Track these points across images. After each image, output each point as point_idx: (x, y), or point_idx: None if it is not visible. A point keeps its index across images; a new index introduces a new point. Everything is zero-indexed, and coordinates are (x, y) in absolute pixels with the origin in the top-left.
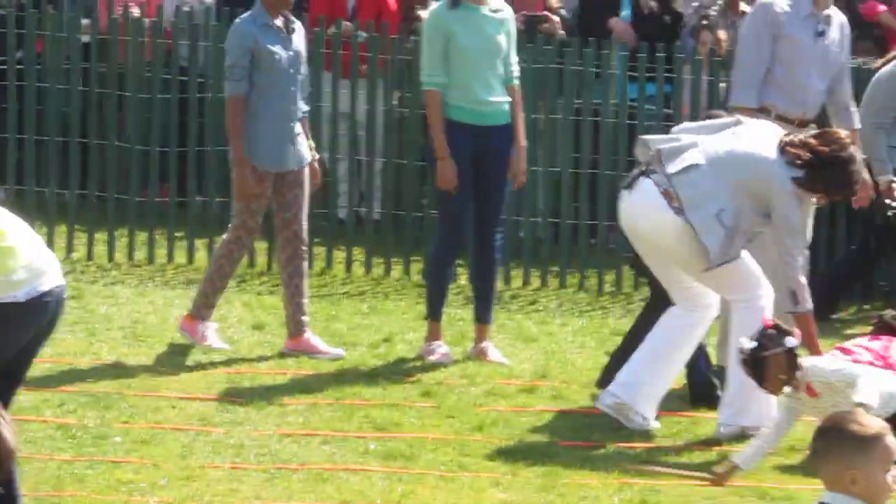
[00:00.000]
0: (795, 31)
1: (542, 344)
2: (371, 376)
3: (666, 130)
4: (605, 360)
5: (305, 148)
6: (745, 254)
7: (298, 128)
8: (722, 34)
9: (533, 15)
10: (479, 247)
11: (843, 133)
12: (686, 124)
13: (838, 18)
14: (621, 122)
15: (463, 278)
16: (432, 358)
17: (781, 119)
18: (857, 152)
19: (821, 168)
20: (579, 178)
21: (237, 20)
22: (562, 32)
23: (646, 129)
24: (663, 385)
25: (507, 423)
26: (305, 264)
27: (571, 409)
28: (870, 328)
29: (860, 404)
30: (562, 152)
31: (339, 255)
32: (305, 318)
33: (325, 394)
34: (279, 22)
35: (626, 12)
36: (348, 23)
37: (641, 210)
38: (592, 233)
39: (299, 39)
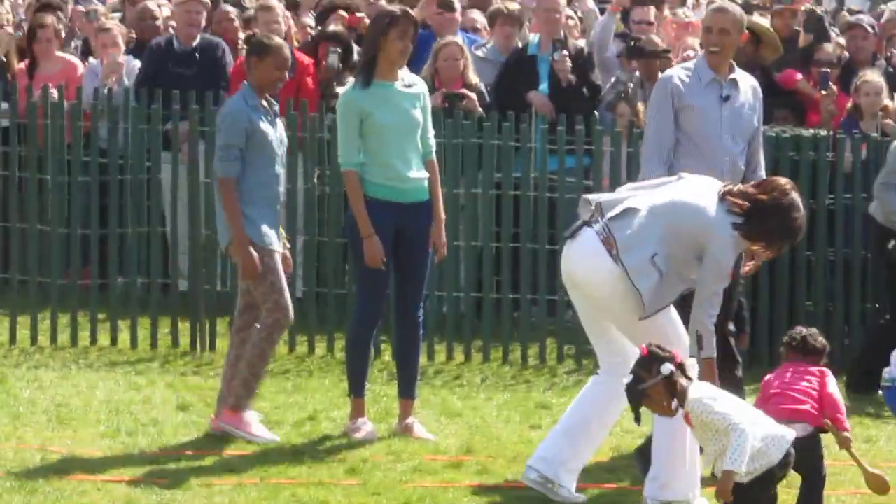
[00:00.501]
0: (697, 99)
1: (467, 419)
2: (296, 455)
3: None
4: (530, 433)
5: (279, 232)
6: (674, 313)
7: (278, 210)
8: (640, 106)
9: (451, 93)
10: (402, 323)
11: (783, 180)
12: (629, 184)
13: (748, 82)
14: (541, 194)
15: (387, 354)
16: (357, 435)
17: None
18: (798, 199)
19: (760, 216)
20: (501, 252)
21: (228, 100)
22: (480, 109)
23: (566, 202)
24: (584, 457)
25: (433, 499)
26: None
27: (498, 483)
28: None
29: (726, 472)
30: (483, 226)
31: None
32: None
33: (250, 473)
34: (265, 103)
35: (543, 85)
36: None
37: (580, 258)
38: (515, 306)
39: (281, 125)
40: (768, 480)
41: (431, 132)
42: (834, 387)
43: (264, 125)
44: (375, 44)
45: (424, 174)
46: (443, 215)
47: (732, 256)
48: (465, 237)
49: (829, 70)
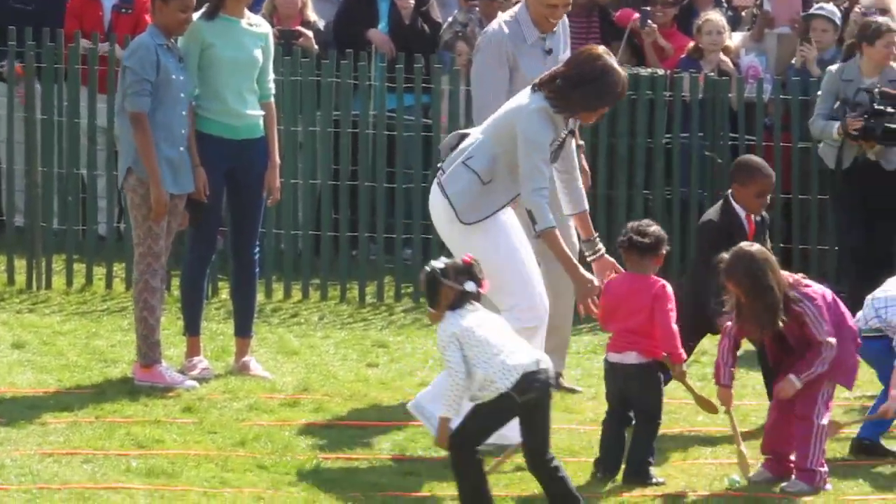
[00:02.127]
0: (526, 60)
1: (304, 357)
2: (132, 393)
3: (425, 141)
4: (367, 372)
5: (191, 175)
6: (527, 258)
7: (187, 153)
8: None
9: (287, 30)
10: (238, 261)
11: (596, 49)
12: None
13: (560, 23)
14: (380, 132)
15: (224, 292)
16: (193, 373)
17: None
18: (610, 62)
19: (569, 87)
20: (339, 190)
21: (136, 37)
22: (316, 47)
23: (405, 140)
24: None
25: (269, 438)
26: (163, 289)
27: (333, 422)
28: None
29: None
30: (321, 164)
31: (100, 270)
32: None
33: (85, 411)
34: (171, 45)
35: (383, 23)
36: (104, 39)
37: (432, 209)
38: (353, 244)
39: (185, 68)
40: (507, 406)
41: (271, 75)
42: (667, 312)
43: (170, 65)
44: None
45: (259, 112)
46: (277, 159)
47: (538, 128)
48: (302, 175)
49: (649, 9)
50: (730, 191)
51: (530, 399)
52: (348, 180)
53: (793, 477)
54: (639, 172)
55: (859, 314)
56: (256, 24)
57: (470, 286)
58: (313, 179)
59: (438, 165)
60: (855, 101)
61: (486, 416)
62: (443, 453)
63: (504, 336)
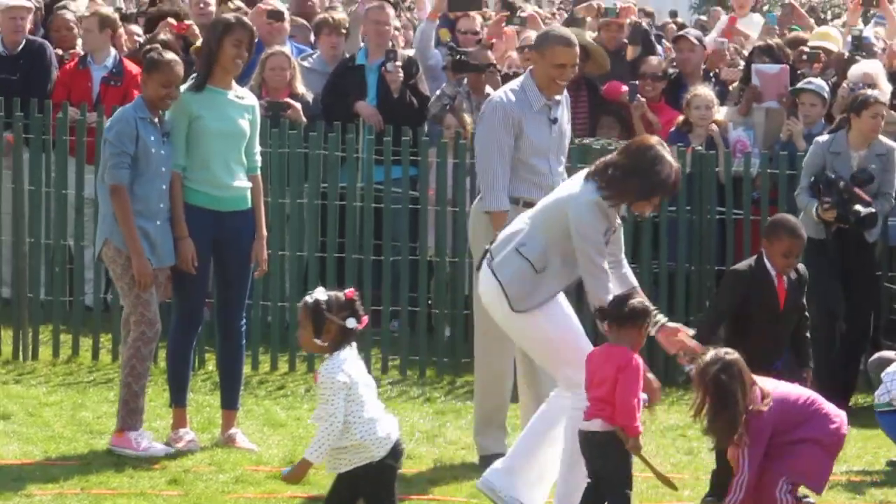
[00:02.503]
0: (532, 127)
1: (291, 429)
2: (118, 465)
3: (413, 213)
4: None
5: (171, 249)
6: (577, 331)
7: (167, 227)
8: (467, 118)
9: (275, 102)
10: (224, 333)
11: (646, 139)
12: None
13: (563, 94)
14: (367, 205)
15: (210, 364)
16: (179, 445)
17: (529, 205)
18: (662, 152)
19: (620, 178)
20: (326, 262)
21: (120, 109)
22: (304, 119)
23: (392, 213)
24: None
25: None
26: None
27: (321, 494)
28: None
29: (304, 460)
30: (308, 236)
31: (86, 342)
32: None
33: (71, 483)
34: (156, 120)
35: (371, 95)
36: (92, 110)
37: (482, 290)
38: None
39: (170, 143)
40: (376, 473)
41: (258, 148)
42: (628, 384)
43: (151, 139)
44: (211, 50)
45: (246, 184)
46: (265, 231)
47: (592, 221)
48: (290, 247)
49: (637, 82)
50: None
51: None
52: (335, 252)
53: None
54: (627, 245)
55: (878, 390)
56: (243, 96)
57: (351, 323)
58: (300, 251)
59: (487, 248)
60: (827, 183)
61: (364, 488)
62: None
63: (374, 398)
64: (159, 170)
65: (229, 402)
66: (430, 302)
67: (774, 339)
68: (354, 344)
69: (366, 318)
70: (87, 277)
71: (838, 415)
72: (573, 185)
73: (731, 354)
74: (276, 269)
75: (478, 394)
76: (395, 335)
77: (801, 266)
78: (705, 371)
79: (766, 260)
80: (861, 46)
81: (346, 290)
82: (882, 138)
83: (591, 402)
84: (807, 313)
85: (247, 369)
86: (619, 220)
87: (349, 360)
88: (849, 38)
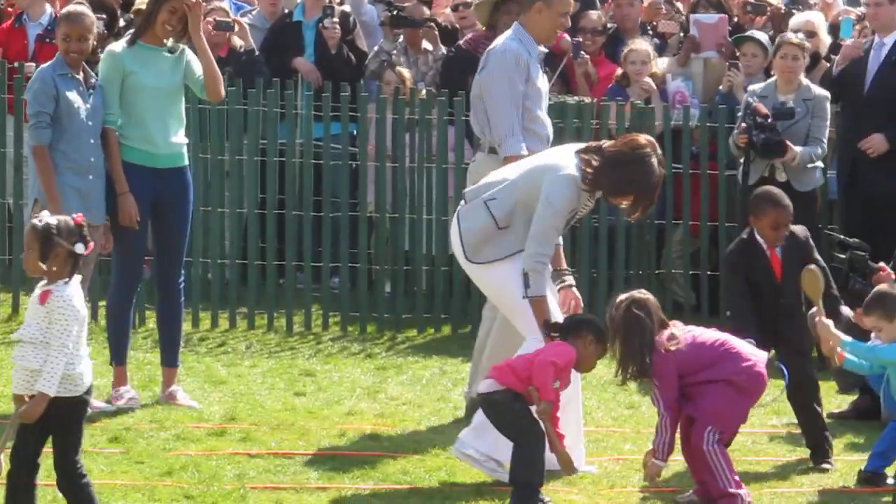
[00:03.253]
0: (535, 74)
1: (231, 386)
2: None
3: (352, 169)
4: (294, 400)
5: (103, 206)
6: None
7: (99, 182)
8: (406, 73)
9: (223, 21)
10: (163, 291)
11: (641, 137)
12: None
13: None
14: (307, 161)
15: (151, 322)
16: (120, 403)
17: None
18: (652, 156)
19: (606, 166)
20: (266, 219)
21: (38, 69)
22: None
23: (332, 168)
24: None
25: (196, 468)
26: None
27: (261, 451)
28: None
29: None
30: (248, 193)
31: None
32: None
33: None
34: (79, 75)
35: (309, 52)
36: (30, 65)
37: (451, 235)
38: (280, 273)
39: (98, 96)
40: (72, 407)
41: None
42: (552, 349)
43: (72, 94)
44: (150, 12)
45: (183, 140)
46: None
47: (565, 194)
48: (229, 204)
49: (580, 39)
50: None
51: None
52: (275, 209)
53: None
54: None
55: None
56: (177, 49)
57: (79, 248)
58: (240, 208)
59: (464, 192)
60: (746, 109)
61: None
62: (370, 482)
63: (85, 335)
64: (86, 124)
65: (169, 360)
66: (370, 258)
67: (780, 311)
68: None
69: (92, 244)
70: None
71: (753, 354)
72: (563, 154)
73: (643, 294)
74: (216, 225)
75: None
76: (336, 291)
77: (798, 228)
78: (616, 307)
79: (756, 234)
80: (800, 1)
81: (75, 215)
82: (812, 86)
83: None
84: (822, 266)
85: (187, 326)
86: (583, 211)
87: (79, 292)
88: None
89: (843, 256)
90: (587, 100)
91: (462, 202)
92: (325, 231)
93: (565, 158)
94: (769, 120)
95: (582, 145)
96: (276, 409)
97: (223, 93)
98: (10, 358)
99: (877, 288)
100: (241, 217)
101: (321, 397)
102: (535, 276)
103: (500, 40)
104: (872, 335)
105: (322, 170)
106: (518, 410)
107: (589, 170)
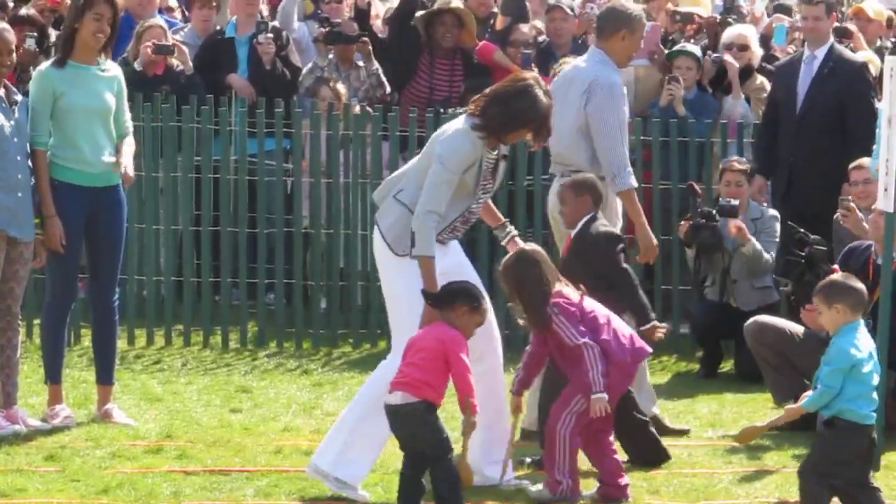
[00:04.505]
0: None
1: (168, 403)
2: None
3: (286, 185)
4: (230, 417)
5: (32, 222)
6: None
7: (28, 199)
8: (342, 89)
9: (162, 45)
10: (97, 308)
11: (525, 74)
12: None
13: None
14: (241, 177)
15: (86, 340)
16: (55, 422)
17: None
18: (534, 83)
19: (492, 105)
20: (201, 236)
21: None
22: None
23: (266, 185)
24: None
25: (132, 485)
26: (19, 337)
27: (197, 468)
28: None
29: None
30: (182, 210)
31: None
32: (14, 391)
33: None
34: (1, 92)
35: (242, 68)
36: None
37: (374, 244)
38: (216, 290)
39: (23, 110)
40: None
41: (127, 114)
42: (461, 361)
43: None
44: (72, 25)
45: (112, 159)
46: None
47: (457, 147)
48: (164, 221)
49: (531, 52)
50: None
51: None
52: (210, 225)
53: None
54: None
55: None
56: (106, 68)
57: None
58: (175, 225)
59: (373, 196)
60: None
61: None
62: (307, 499)
63: None
64: (11, 142)
65: (104, 378)
66: (305, 274)
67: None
68: None
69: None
70: None
71: (629, 337)
72: (451, 124)
73: (533, 247)
74: (150, 242)
75: None
76: (272, 308)
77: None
78: (505, 265)
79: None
80: (732, 9)
81: None
82: (761, 207)
83: (399, 372)
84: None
85: (123, 344)
86: (494, 156)
87: None
88: (719, 2)
89: (802, 253)
90: None
91: (378, 213)
92: (260, 247)
93: (455, 123)
94: (714, 218)
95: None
96: (213, 426)
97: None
98: None
99: (833, 277)
100: (176, 234)
101: (257, 413)
102: (424, 233)
103: (593, 70)
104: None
105: (256, 186)
106: (434, 422)
107: (477, 113)
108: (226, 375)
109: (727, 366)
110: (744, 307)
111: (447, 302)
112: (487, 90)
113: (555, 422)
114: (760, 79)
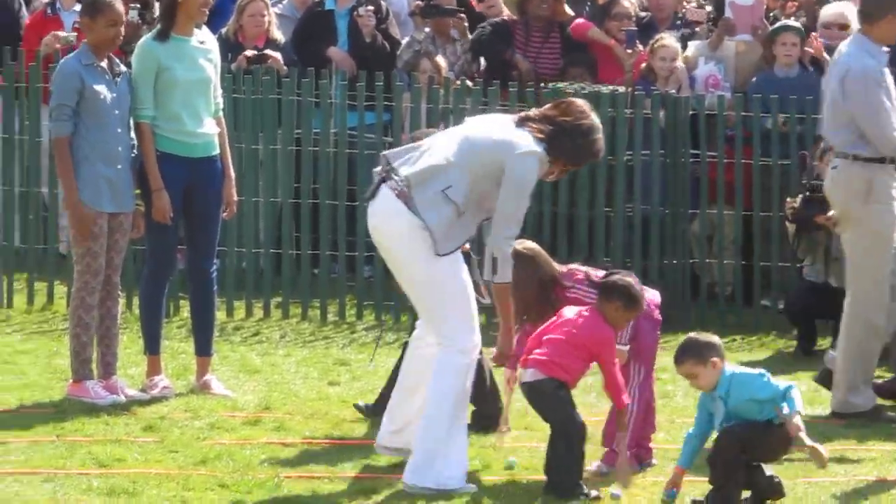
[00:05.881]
0: (889, 81)
1: (266, 375)
2: (93, 411)
3: None
4: (328, 390)
5: (132, 193)
6: (471, 293)
7: (128, 170)
8: (442, 62)
9: (257, 55)
10: (196, 279)
11: (580, 102)
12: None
13: None
14: (341, 151)
15: (185, 311)
16: (154, 392)
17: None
18: (598, 121)
19: (562, 137)
20: (300, 208)
21: (63, 60)
22: (285, 68)
23: (366, 158)
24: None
25: (230, 457)
26: (118, 307)
27: (295, 440)
28: None
29: None
30: (282, 182)
31: (61, 289)
32: (114, 362)
33: (46, 430)
34: (104, 63)
35: (342, 41)
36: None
37: (381, 217)
38: (315, 262)
39: (125, 82)
40: None
41: (220, 91)
42: (610, 359)
43: (98, 85)
44: (171, 2)
45: (214, 129)
46: (233, 173)
47: (533, 176)
48: (263, 193)
49: (635, 28)
50: None
51: None
52: (309, 198)
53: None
54: (600, 190)
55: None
56: (204, 40)
57: None
58: (274, 197)
59: (387, 168)
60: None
61: None
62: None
63: None
64: (112, 113)
65: (203, 349)
66: None
67: None
68: None
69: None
70: (60, 225)
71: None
72: (507, 129)
73: (527, 244)
74: (249, 215)
75: (850, 348)
76: (370, 280)
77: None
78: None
79: None
80: None
81: None
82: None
83: (539, 346)
84: None
85: (222, 316)
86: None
87: None
88: None
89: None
90: (621, 89)
91: (398, 180)
92: (359, 220)
93: (512, 132)
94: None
95: (514, 116)
96: (310, 399)
97: None
98: (47, 347)
99: (686, 337)
100: (276, 206)
101: (355, 387)
102: (506, 260)
103: (849, 58)
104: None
105: (356, 159)
106: (564, 397)
107: (549, 141)
108: (324, 348)
109: (825, 343)
110: (843, 285)
111: (606, 293)
112: (551, 115)
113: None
114: None
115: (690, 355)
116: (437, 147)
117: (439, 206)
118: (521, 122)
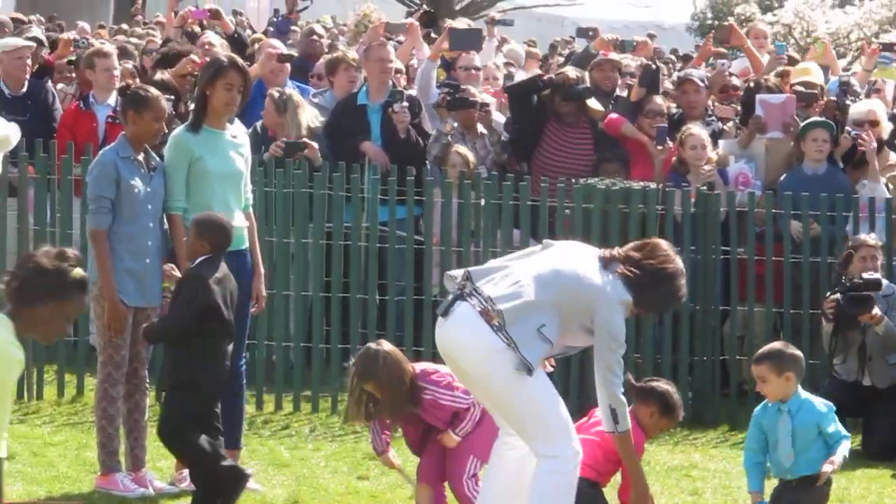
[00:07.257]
0: None
1: (295, 469)
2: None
3: (417, 253)
4: (357, 484)
5: (160, 286)
6: (558, 398)
7: (157, 264)
8: (470, 154)
9: (292, 142)
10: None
11: (665, 245)
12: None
13: None
14: (372, 245)
15: None
16: (183, 485)
17: None
18: (682, 265)
19: (648, 284)
20: (330, 302)
21: (101, 153)
22: (321, 159)
23: (397, 252)
24: None
25: None
26: (147, 400)
27: None
28: None
29: None
30: (313, 276)
31: (91, 381)
32: (143, 454)
33: None
34: (140, 157)
35: (375, 135)
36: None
37: (457, 334)
38: (344, 356)
39: (159, 178)
40: None
41: (249, 185)
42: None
43: (133, 179)
44: (204, 90)
45: (244, 223)
46: (261, 268)
47: (623, 323)
48: (294, 287)
49: (666, 125)
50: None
51: None
52: (340, 292)
53: None
54: None
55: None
56: (236, 134)
57: None
58: (305, 291)
59: (470, 288)
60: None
61: None
62: None
63: None
64: (145, 208)
65: (232, 442)
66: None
67: None
68: None
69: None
70: (90, 317)
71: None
72: (592, 270)
73: (379, 345)
74: (280, 308)
75: None
76: None
77: None
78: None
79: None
80: (849, 91)
81: None
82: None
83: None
84: None
85: (251, 409)
86: None
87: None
88: (834, 81)
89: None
90: (652, 185)
91: (477, 298)
92: (389, 314)
93: (602, 276)
94: (862, 288)
95: (598, 253)
96: (340, 493)
97: None
98: (76, 440)
99: (773, 343)
100: (306, 300)
101: (384, 481)
102: (624, 410)
103: None
104: None
105: (386, 253)
106: (594, 495)
107: (637, 291)
108: (353, 442)
109: (855, 441)
110: (879, 384)
111: (643, 397)
112: (637, 258)
113: (461, 487)
114: (893, 155)
115: (770, 361)
116: (526, 277)
117: (536, 343)
118: (607, 263)
